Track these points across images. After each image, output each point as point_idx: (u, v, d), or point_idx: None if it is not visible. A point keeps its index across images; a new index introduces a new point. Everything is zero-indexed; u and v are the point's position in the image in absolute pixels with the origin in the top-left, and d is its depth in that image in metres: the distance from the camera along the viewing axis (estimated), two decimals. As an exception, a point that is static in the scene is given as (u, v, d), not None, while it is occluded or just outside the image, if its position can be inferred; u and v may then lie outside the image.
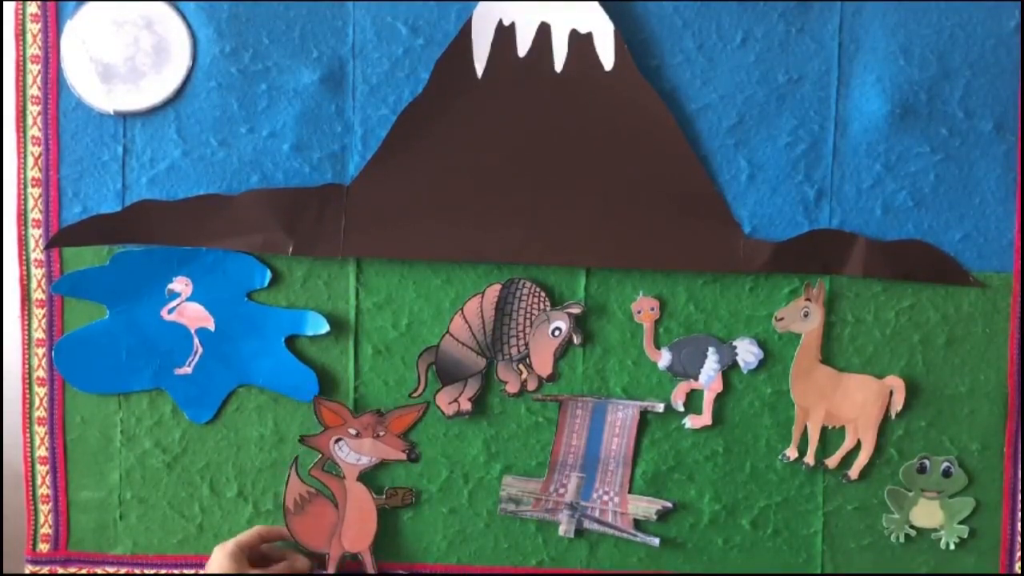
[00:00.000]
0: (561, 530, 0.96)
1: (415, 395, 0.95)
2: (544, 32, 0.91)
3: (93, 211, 0.94)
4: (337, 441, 0.93)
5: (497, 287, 0.94)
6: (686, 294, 0.94)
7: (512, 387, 0.95)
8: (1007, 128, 0.91)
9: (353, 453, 0.94)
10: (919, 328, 0.93)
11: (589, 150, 0.92)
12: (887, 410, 0.93)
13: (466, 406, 0.95)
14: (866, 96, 0.91)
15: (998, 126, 0.91)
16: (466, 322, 0.94)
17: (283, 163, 0.93)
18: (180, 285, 0.95)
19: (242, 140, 0.93)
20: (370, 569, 0.94)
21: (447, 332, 0.95)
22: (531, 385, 0.95)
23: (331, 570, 0.94)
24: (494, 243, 0.92)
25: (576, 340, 0.94)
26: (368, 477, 0.95)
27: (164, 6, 0.92)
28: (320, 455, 0.95)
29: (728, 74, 0.91)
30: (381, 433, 0.93)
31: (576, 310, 0.93)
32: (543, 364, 0.94)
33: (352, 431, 0.93)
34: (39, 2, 0.92)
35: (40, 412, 0.97)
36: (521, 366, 0.95)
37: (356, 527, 0.94)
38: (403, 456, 0.93)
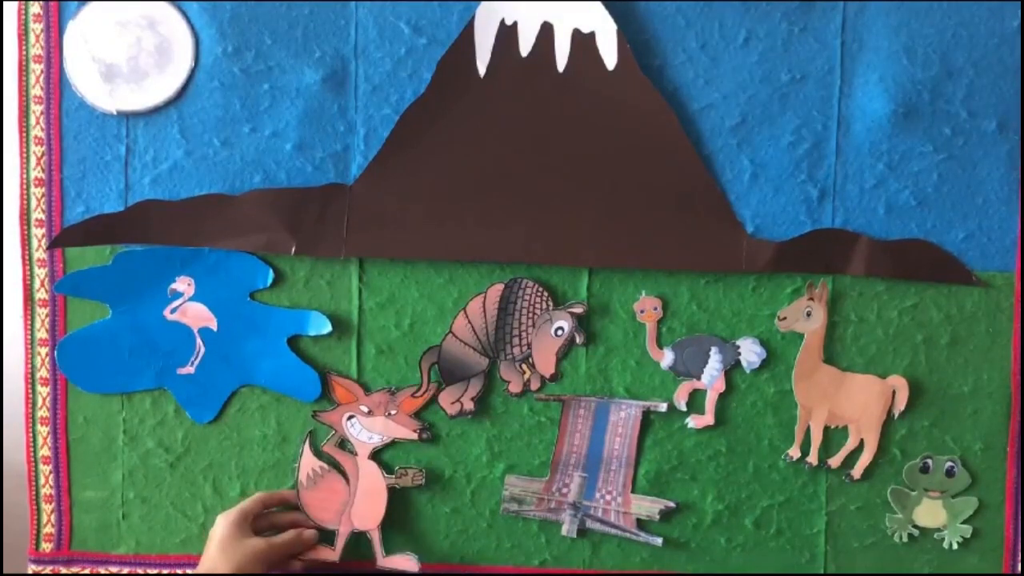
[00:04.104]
0: (564, 530, 0.96)
1: (418, 395, 0.95)
2: (547, 32, 0.91)
3: (96, 211, 0.94)
4: (349, 418, 0.94)
5: (499, 287, 0.94)
6: (689, 294, 0.94)
7: (515, 387, 0.95)
8: (1010, 127, 0.91)
9: (365, 431, 0.94)
10: (922, 328, 0.93)
11: (591, 150, 0.92)
12: (890, 410, 0.93)
13: (469, 406, 0.95)
14: (869, 95, 0.91)
15: (1001, 125, 0.91)
16: (468, 322, 0.94)
17: (286, 163, 0.93)
18: (183, 285, 0.95)
19: (244, 140, 0.93)
20: (378, 550, 0.94)
21: (449, 332, 0.95)
22: (534, 385, 0.95)
23: (339, 546, 0.94)
24: (497, 243, 0.92)
25: (579, 340, 0.94)
26: (380, 461, 0.95)
27: (166, 6, 0.92)
28: (334, 432, 0.95)
29: (731, 73, 0.91)
30: (393, 412, 0.93)
31: (579, 310, 0.93)
32: (546, 364, 0.94)
33: (364, 409, 0.94)
34: (41, 2, 0.92)
35: (43, 412, 0.97)
36: (524, 366, 0.95)
37: (366, 505, 0.94)
38: (415, 436, 0.93)
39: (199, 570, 0.88)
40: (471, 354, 0.95)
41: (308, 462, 0.95)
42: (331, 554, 0.94)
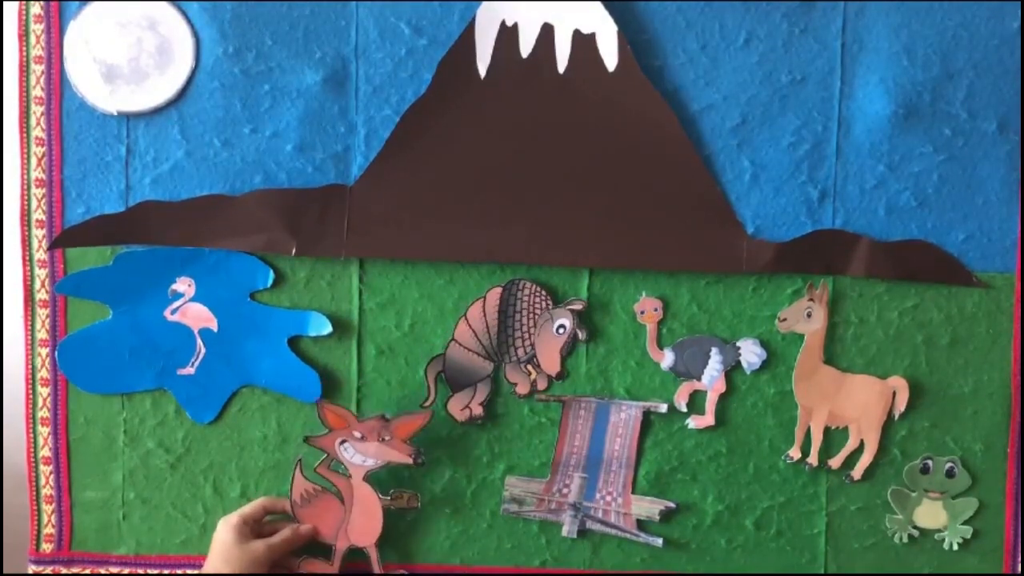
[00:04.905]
0: (564, 530, 0.96)
1: (426, 405, 0.95)
2: (547, 33, 0.91)
3: (96, 212, 0.94)
4: (342, 443, 0.93)
5: (498, 290, 0.94)
6: (689, 294, 0.94)
7: (522, 388, 0.95)
8: (1010, 128, 0.91)
9: (359, 455, 0.93)
10: (922, 328, 0.93)
11: (592, 151, 0.92)
12: (890, 410, 0.93)
13: (478, 411, 0.95)
14: (869, 96, 0.91)
15: (1001, 126, 0.91)
16: (470, 327, 0.94)
17: (286, 163, 0.93)
18: (183, 285, 0.95)
19: (245, 140, 0.93)
20: (375, 566, 0.93)
21: (452, 339, 0.94)
22: (540, 385, 0.95)
23: (337, 562, 0.93)
24: (497, 243, 0.92)
25: (581, 336, 0.93)
26: (374, 476, 0.94)
27: (167, 6, 0.92)
28: (326, 454, 0.94)
29: (731, 74, 0.91)
30: (387, 438, 0.92)
31: (578, 306, 0.93)
32: (550, 363, 0.94)
33: (357, 434, 0.92)
34: (42, 3, 0.92)
35: (43, 412, 0.97)
36: (529, 367, 0.95)
37: (362, 524, 0.93)
38: (410, 460, 0.92)
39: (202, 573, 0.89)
40: (476, 359, 0.95)
41: (300, 484, 0.93)
42: (329, 568, 0.93)
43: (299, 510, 0.93)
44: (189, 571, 0.98)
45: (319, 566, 0.93)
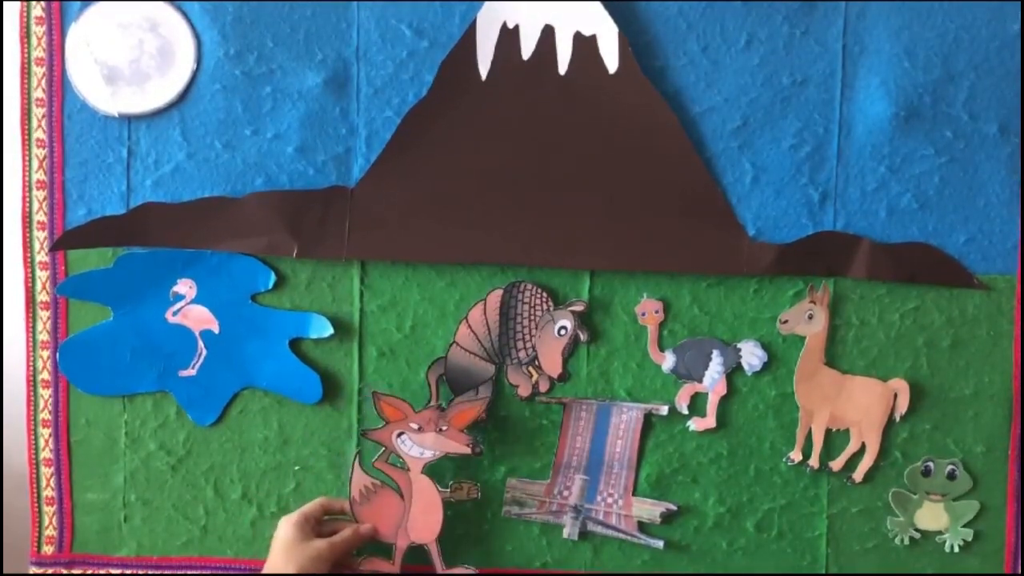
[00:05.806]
0: (565, 532, 0.96)
1: (430, 407, 0.94)
2: (548, 34, 0.91)
3: (98, 213, 0.94)
4: (399, 435, 0.92)
5: (498, 292, 0.94)
6: (690, 296, 0.94)
7: (524, 390, 0.95)
8: (1011, 130, 0.91)
9: (416, 447, 0.92)
10: (923, 330, 0.93)
11: (593, 152, 0.92)
12: (891, 413, 0.93)
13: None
14: (870, 98, 0.91)
15: (1002, 128, 0.91)
16: (471, 330, 0.94)
17: (287, 165, 0.93)
18: (184, 287, 0.95)
19: (246, 142, 0.93)
20: (437, 563, 0.92)
21: (454, 342, 0.94)
22: (543, 387, 0.95)
23: (398, 560, 0.92)
24: (498, 245, 0.92)
25: (583, 337, 0.93)
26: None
27: (168, 8, 0.92)
28: (383, 448, 0.93)
29: (732, 76, 0.91)
30: (444, 428, 0.92)
31: (579, 308, 0.93)
32: (552, 364, 0.94)
33: (414, 425, 0.92)
34: (43, 4, 0.92)
35: (45, 414, 0.97)
36: (530, 368, 0.95)
37: (422, 519, 0.92)
38: (468, 450, 0.91)
39: (264, 572, 0.88)
40: (477, 362, 0.94)
41: (359, 479, 0.93)
42: (390, 567, 0.92)
43: (358, 508, 0.92)
44: (190, 573, 0.98)
45: (380, 564, 0.93)
